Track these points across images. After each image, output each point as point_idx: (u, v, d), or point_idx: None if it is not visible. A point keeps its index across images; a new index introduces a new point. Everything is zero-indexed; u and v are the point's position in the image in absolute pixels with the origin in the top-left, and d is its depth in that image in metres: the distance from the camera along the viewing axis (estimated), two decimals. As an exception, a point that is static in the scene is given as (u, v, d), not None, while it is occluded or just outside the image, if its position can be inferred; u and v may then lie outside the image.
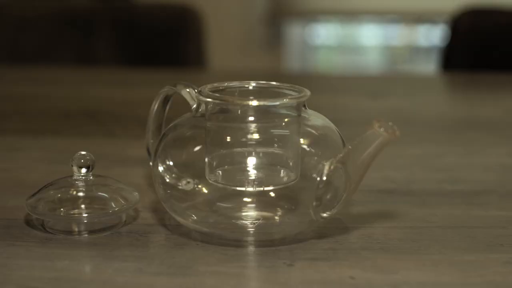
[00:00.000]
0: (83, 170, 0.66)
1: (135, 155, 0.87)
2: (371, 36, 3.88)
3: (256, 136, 0.63)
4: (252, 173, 0.63)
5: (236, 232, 0.63)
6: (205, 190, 0.64)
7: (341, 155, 0.59)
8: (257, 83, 0.66)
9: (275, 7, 3.53)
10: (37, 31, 1.58)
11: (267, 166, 0.64)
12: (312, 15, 3.71)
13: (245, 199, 0.64)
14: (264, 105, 0.61)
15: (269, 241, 0.63)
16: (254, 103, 0.61)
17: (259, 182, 0.62)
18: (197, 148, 0.64)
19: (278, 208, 0.65)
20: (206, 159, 0.63)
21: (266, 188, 0.62)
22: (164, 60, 1.60)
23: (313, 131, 0.64)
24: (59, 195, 0.65)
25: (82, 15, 1.61)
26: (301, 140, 0.63)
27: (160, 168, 0.65)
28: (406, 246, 0.63)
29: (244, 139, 0.63)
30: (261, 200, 0.64)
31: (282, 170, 0.64)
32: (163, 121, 0.69)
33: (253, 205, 0.64)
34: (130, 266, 0.59)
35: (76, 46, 1.60)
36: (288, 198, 0.65)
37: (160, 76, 1.37)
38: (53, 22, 1.59)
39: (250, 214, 0.64)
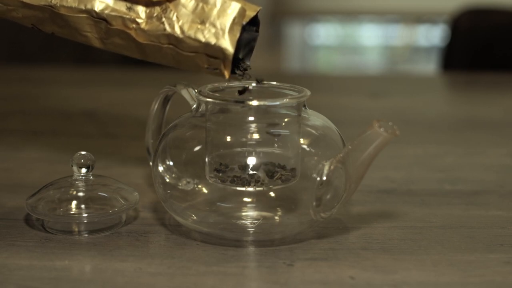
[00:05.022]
0: (83, 170, 0.66)
1: (135, 155, 0.87)
2: (371, 36, 3.88)
3: (256, 136, 0.63)
4: (252, 173, 0.63)
5: (236, 232, 0.63)
6: (205, 190, 0.65)
7: (341, 155, 0.59)
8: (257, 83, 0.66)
9: (275, 7, 3.53)
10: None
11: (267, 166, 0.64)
12: (312, 15, 3.71)
13: (245, 199, 0.64)
14: (264, 105, 0.61)
15: (269, 241, 0.63)
16: (254, 103, 0.61)
17: (259, 182, 0.62)
18: (197, 148, 0.64)
19: (278, 208, 0.65)
20: (206, 159, 0.63)
21: (266, 188, 0.62)
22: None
23: (313, 131, 0.64)
24: (59, 195, 0.65)
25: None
26: (301, 140, 0.63)
27: (160, 168, 0.65)
28: (406, 246, 0.63)
29: (244, 139, 0.63)
30: (261, 200, 0.64)
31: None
32: (163, 121, 0.69)
33: (253, 205, 0.64)
34: (130, 266, 0.59)
35: (76, 46, 1.60)
36: (288, 198, 0.65)
37: (160, 76, 1.37)
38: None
39: (250, 214, 0.64)
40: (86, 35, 0.62)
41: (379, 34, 3.85)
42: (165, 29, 0.58)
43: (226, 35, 0.57)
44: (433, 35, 3.62)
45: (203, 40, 0.57)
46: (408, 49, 3.78)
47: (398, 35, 3.84)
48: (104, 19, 0.60)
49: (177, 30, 0.58)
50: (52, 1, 0.61)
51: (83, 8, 0.60)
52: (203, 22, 0.58)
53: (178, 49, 0.59)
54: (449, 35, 1.60)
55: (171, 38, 0.58)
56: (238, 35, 0.58)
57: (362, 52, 3.77)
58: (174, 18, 0.58)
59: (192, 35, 0.58)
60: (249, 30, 0.59)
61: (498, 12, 1.61)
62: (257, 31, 0.60)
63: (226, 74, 0.58)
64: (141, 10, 0.59)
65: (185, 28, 0.58)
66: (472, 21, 1.58)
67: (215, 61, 0.58)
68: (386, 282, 0.57)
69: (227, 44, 0.57)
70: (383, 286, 0.57)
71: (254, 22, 0.60)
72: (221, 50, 0.57)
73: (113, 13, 0.59)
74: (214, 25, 0.57)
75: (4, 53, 1.63)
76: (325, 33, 3.89)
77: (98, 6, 0.60)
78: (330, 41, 3.90)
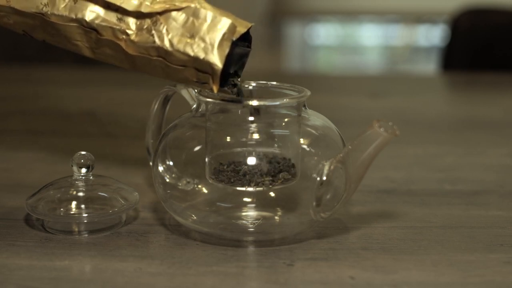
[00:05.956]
0: (83, 170, 0.66)
1: (135, 155, 0.87)
2: (371, 36, 3.89)
3: (256, 136, 0.63)
4: (252, 173, 0.63)
5: (236, 232, 0.63)
6: (205, 190, 0.64)
7: (341, 155, 0.59)
8: (257, 83, 0.66)
9: (275, 7, 3.53)
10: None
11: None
12: (312, 15, 3.72)
13: (245, 199, 0.64)
14: (264, 105, 0.61)
15: (269, 241, 0.63)
16: (254, 103, 0.61)
17: (259, 182, 0.62)
18: (197, 148, 0.64)
19: (278, 208, 0.65)
20: (206, 159, 0.63)
21: (266, 188, 0.62)
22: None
23: (313, 131, 0.64)
24: (59, 195, 0.65)
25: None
26: (301, 140, 0.63)
27: (160, 168, 0.65)
28: (406, 246, 0.63)
29: (244, 139, 0.63)
30: (261, 200, 0.64)
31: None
32: (163, 121, 0.69)
33: (253, 205, 0.64)
34: (130, 266, 0.59)
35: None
36: (288, 198, 0.65)
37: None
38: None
39: (250, 214, 0.64)
40: (77, 44, 0.62)
41: (379, 34, 3.85)
42: (154, 42, 0.58)
43: (215, 50, 0.57)
44: (433, 35, 3.62)
45: (192, 54, 0.57)
46: (408, 49, 3.78)
47: (398, 35, 3.85)
48: (95, 29, 0.60)
49: (167, 43, 0.58)
50: (43, 9, 0.60)
51: (74, 17, 0.60)
52: (192, 36, 0.58)
53: (167, 62, 0.58)
54: (449, 35, 1.60)
55: (160, 50, 0.58)
56: (227, 50, 0.57)
57: (362, 52, 3.77)
58: (164, 31, 0.58)
59: (181, 49, 0.58)
60: (240, 46, 0.59)
61: (498, 12, 1.61)
62: (249, 46, 0.60)
63: (215, 88, 0.58)
64: (131, 21, 0.59)
65: (175, 41, 0.58)
66: (472, 21, 1.58)
67: (204, 75, 0.58)
68: (386, 282, 0.57)
69: (216, 59, 0.57)
70: (383, 286, 0.57)
71: (245, 38, 0.59)
72: (209, 65, 0.57)
73: (103, 23, 0.59)
74: (203, 40, 0.57)
75: (4, 54, 1.63)
76: (325, 33, 3.90)
77: (88, 16, 0.60)
78: (330, 41, 3.91)
